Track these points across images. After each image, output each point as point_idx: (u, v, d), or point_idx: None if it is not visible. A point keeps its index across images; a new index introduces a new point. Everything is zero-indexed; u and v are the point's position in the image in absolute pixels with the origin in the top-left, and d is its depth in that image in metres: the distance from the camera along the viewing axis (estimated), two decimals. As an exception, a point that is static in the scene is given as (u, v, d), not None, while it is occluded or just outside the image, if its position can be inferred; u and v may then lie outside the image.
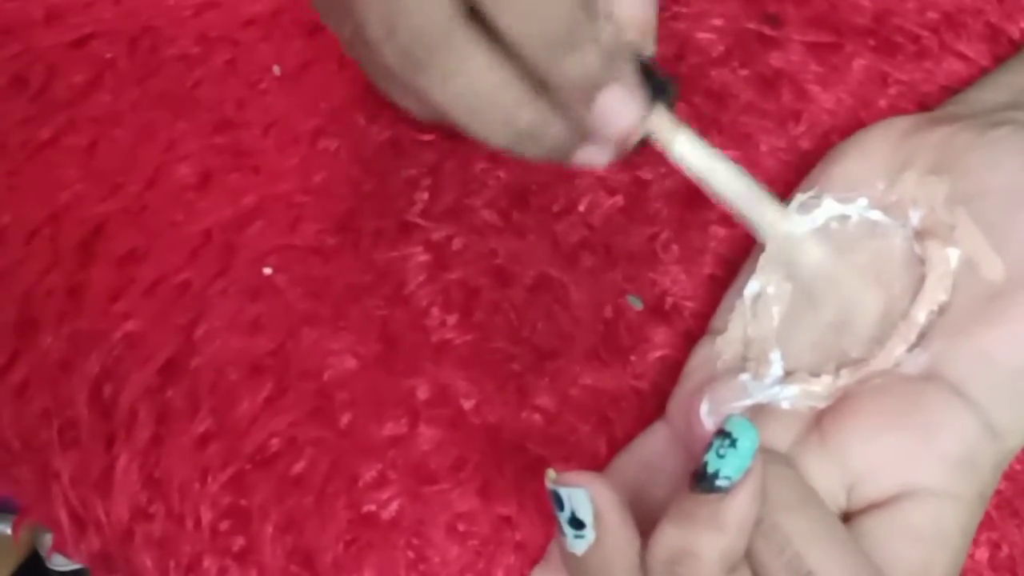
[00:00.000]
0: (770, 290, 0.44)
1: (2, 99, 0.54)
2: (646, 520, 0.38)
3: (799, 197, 0.45)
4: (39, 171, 0.53)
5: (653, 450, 0.45)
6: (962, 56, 0.52)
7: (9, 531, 0.58)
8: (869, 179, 0.44)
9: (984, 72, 0.52)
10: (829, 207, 0.44)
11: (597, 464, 0.47)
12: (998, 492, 0.46)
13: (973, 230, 0.41)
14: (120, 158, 0.53)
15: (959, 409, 0.39)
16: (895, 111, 0.51)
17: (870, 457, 0.40)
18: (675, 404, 0.45)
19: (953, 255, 0.41)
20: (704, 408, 0.43)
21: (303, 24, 0.54)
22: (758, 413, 0.42)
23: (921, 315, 0.41)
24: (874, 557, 0.38)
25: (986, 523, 0.46)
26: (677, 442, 0.44)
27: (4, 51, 0.55)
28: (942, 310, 0.41)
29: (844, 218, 0.44)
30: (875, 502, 0.39)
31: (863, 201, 0.44)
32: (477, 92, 0.38)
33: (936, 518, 0.39)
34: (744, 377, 0.43)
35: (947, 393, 0.40)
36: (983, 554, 0.46)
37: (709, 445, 0.37)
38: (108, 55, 0.55)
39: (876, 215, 0.44)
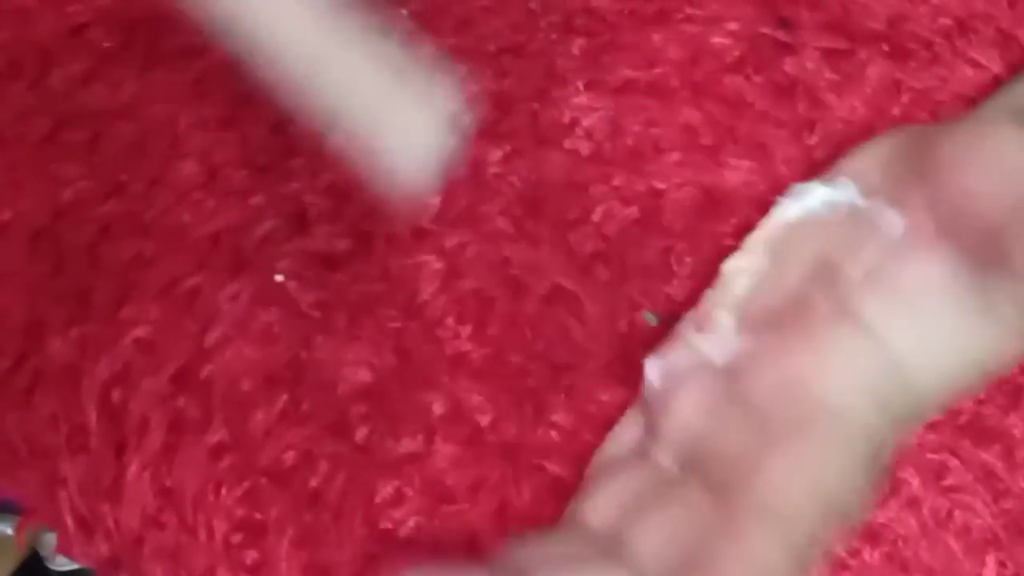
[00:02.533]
0: (743, 263, 0.45)
1: (-2, 88, 0.53)
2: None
3: (796, 187, 0.46)
4: (40, 166, 0.52)
5: (631, 436, 0.46)
6: (974, 63, 0.52)
7: (10, 531, 0.58)
8: (866, 171, 0.45)
9: (996, 78, 0.52)
10: (820, 193, 0.45)
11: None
12: (1005, 511, 0.47)
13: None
14: (123, 154, 0.52)
15: (863, 341, 0.41)
16: (908, 120, 0.51)
17: (774, 388, 0.42)
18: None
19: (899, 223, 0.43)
20: (651, 365, 0.45)
21: (311, 19, 0.53)
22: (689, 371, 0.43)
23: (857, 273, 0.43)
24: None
25: (992, 542, 0.47)
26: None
27: (-3, 37, 0.54)
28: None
29: (834, 204, 0.45)
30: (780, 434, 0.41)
31: (852, 187, 0.45)
32: None
33: (841, 430, 0.41)
34: (691, 335, 0.45)
35: (853, 326, 0.42)
36: (990, 573, 0.47)
37: None
38: (105, 44, 0.53)
39: (863, 202, 0.44)
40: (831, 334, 0.42)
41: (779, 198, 0.47)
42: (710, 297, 0.46)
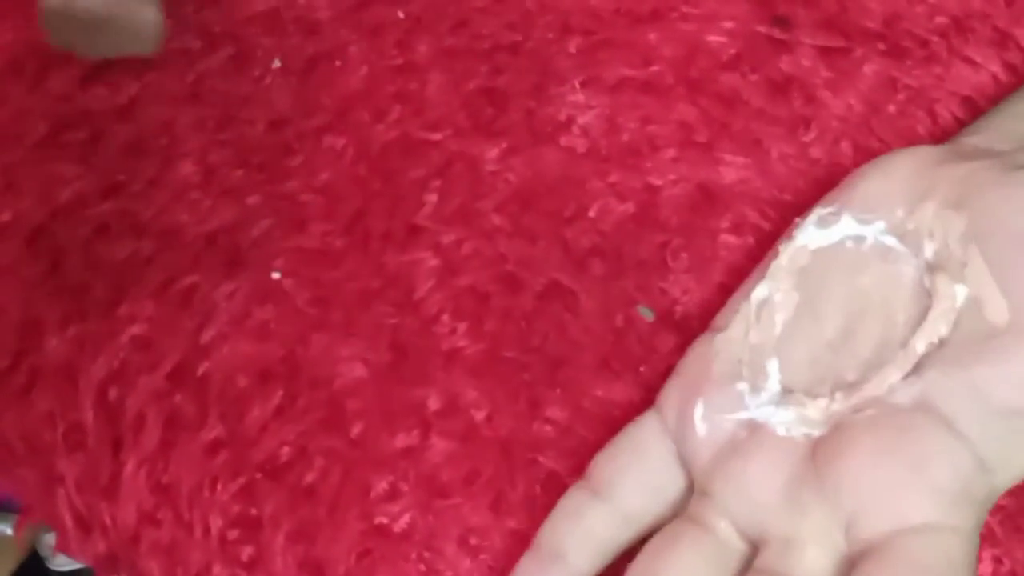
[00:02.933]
0: (777, 297, 0.45)
1: (-3, 89, 0.54)
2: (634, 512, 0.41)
3: (818, 211, 0.45)
4: (37, 166, 0.52)
5: (642, 440, 0.45)
6: (970, 61, 0.52)
7: (10, 531, 0.58)
8: (889, 204, 0.44)
9: (992, 77, 0.52)
10: (847, 225, 0.44)
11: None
12: (1001, 507, 0.47)
13: (983, 269, 0.41)
14: (121, 154, 0.52)
15: (951, 442, 0.39)
16: (904, 117, 0.51)
17: (863, 493, 0.39)
18: (667, 397, 0.45)
19: (960, 292, 0.41)
20: (698, 412, 0.44)
21: (306, 21, 0.54)
22: (753, 435, 0.42)
23: (920, 346, 0.41)
24: None
25: (989, 538, 0.46)
26: (666, 434, 0.45)
27: (-2, 39, 0.54)
28: (941, 343, 0.41)
29: (860, 239, 0.44)
30: (872, 542, 0.39)
31: (880, 224, 0.44)
32: None
33: (940, 550, 0.38)
34: (741, 387, 0.43)
35: (939, 425, 0.40)
36: (986, 569, 0.47)
37: None
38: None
39: (891, 241, 0.44)
40: (917, 438, 0.40)
41: (798, 220, 0.46)
42: (739, 323, 0.45)
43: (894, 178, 0.44)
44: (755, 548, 0.41)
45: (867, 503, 0.39)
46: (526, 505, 0.46)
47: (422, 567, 0.46)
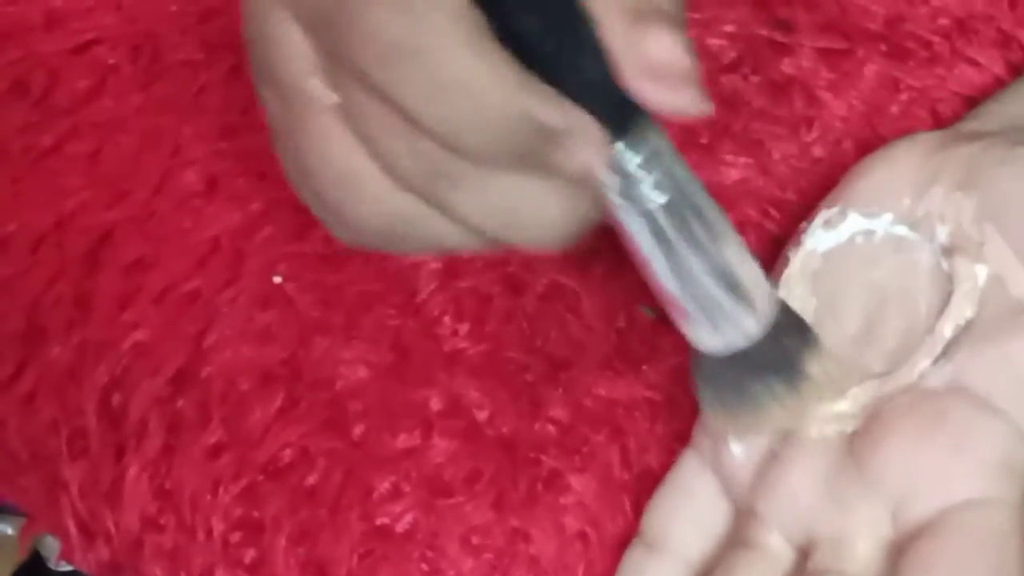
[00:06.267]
0: (794, 305, 0.44)
1: (3, 105, 0.54)
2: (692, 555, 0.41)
3: (824, 212, 0.45)
4: (43, 178, 0.52)
5: (684, 481, 0.45)
6: (973, 62, 0.52)
7: (10, 531, 0.58)
8: (895, 194, 0.44)
9: (996, 79, 0.52)
10: (854, 222, 0.44)
11: (610, 476, 0.46)
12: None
13: (1002, 246, 0.40)
14: (125, 165, 0.52)
15: (988, 418, 0.39)
16: (907, 118, 0.51)
17: (908, 477, 0.39)
18: (700, 429, 0.45)
19: (981, 271, 0.41)
20: (735, 446, 0.43)
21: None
22: (787, 443, 0.42)
23: (948, 330, 0.41)
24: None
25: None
26: (706, 468, 0.44)
27: (4, 56, 0.54)
28: (968, 325, 0.41)
29: (869, 233, 0.44)
30: (921, 524, 0.39)
31: (888, 216, 0.44)
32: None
33: (990, 522, 0.38)
34: None
35: (974, 404, 0.39)
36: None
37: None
38: (111, 61, 0.54)
39: (902, 230, 0.43)
40: (955, 417, 0.39)
41: (804, 224, 0.46)
42: None
43: (897, 168, 0.44)
44: (807, 554, 0.41)
45: (912, 486, 0.39)
46: (528, 504, 0.46)
47: (424, 567, 0.46)
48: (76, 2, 0.55)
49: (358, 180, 0.34)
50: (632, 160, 0.35)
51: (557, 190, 0.33)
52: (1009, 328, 0.40)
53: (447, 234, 0.34)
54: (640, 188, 0.35)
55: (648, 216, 0.36)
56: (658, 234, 0.36)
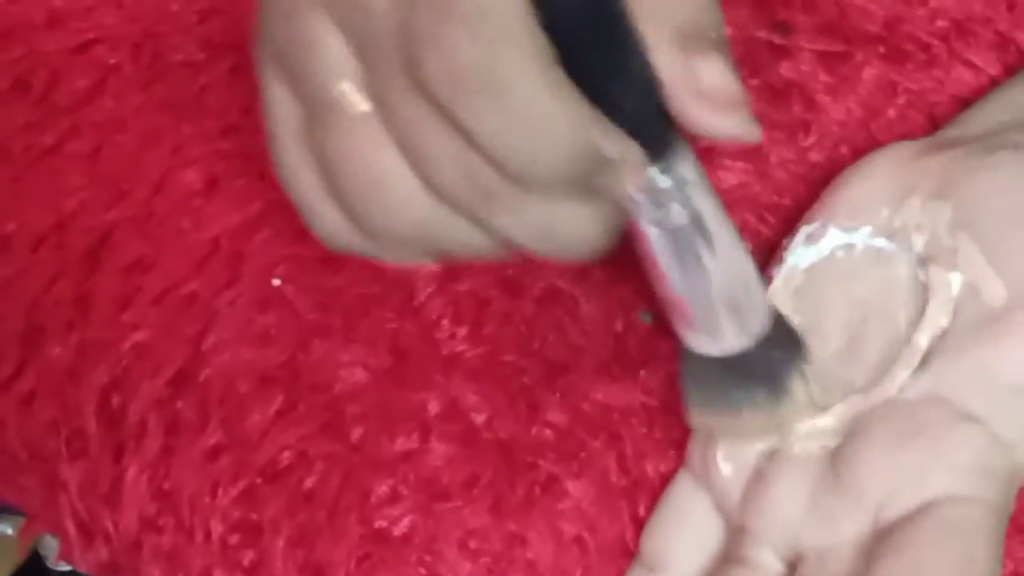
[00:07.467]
0: None
1: (4, 103, 0.54)
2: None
3: (804, 228, 0.45)
4: (43, 178, 0.52)
5: (678, 501, 0.45)
6: (971, 65, 0.52)
7: (9, 531, 0.58)
8: (874, 206, 0.44)
9: (993, 81, 0.52)
10: (834, 237, 0.44)
11: (607, 481, 0.47)
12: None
13: (975, 254, 0.41)
14: (125, 164, 0.52)
15: (963, 424, 0.40)
16: (904, 121, 0.51)
17: (885, 482, 0.40)
18: (692, 449, 0.45)
19: (955, 280, 0.41)
20: (720, 454, 0.44)
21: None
22: (772, 460, 0.42)
23: (923, 340, 0.41)
24: (911, 560, 0.38)
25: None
26: (699, 487, 0.45)
27: (5, 55, 0.54)
28: (943, 334, 0.41)
29: (849, 247, 0.44)
30: (896, 522, 0.39)
31: (867, 229, 0.44)
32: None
33: (963, 514, 0.39)
34: None
35: (950, 412, 0.40)
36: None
37: None
38: (111, 60, 0.54)
39: (880, 242, 0.44)
40: (931, 426, 0.40)
41: (785, 241, 0.46)
42: None
43: (875, 179, 0.44)
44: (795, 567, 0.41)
45: (890, 490, 0.39)
46: (526, 509, 0.46)
47: (422, 571, 0.46)
48: (77, 1, 0.55)
49: (391, 185, 0.34)
50: (664, 181, 0.35)
51: (592, 206, 0.33)
52: (983, 336, 0.40)
53: (474, 243, 0.35)
54: (668, 207, 0.36)
55: (671, 234, 0.37)
56: (678, 251, 0.37)
